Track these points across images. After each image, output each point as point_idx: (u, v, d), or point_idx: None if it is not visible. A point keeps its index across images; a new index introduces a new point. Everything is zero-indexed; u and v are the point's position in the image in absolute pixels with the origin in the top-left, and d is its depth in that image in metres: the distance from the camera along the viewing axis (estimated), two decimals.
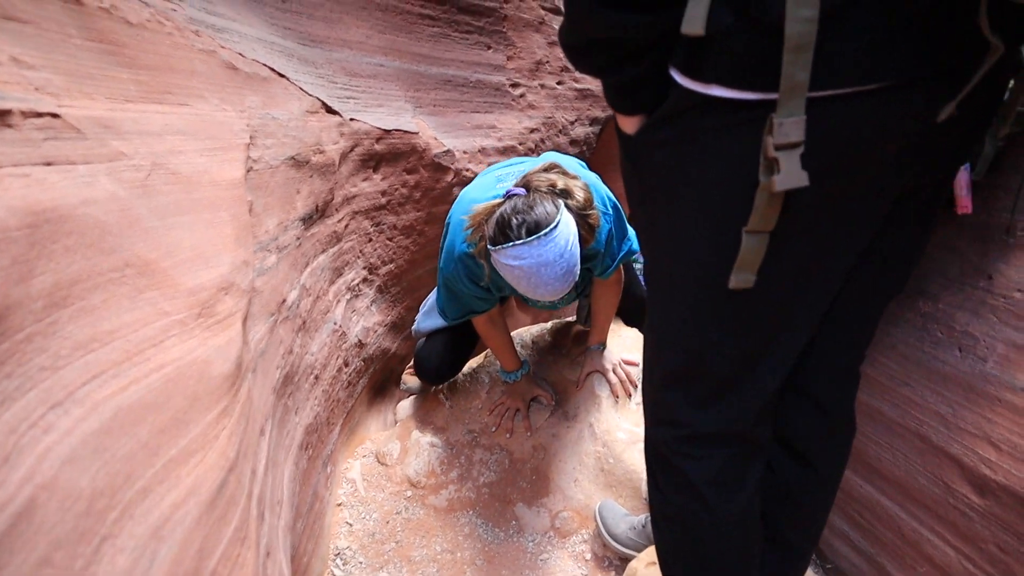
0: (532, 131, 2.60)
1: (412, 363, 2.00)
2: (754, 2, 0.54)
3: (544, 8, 2.62)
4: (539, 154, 2.59)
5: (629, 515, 1.50)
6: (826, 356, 0.90)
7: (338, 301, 1.66)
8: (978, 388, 1.05)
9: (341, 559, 1.50)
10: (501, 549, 1.56)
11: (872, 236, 0.74)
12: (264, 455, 0.85)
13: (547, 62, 2.68)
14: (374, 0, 1.89)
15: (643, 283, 1.84)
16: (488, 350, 1.96)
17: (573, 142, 2.90)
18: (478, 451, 1.75)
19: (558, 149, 2.75)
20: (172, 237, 0.70)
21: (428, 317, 1.82)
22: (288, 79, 1.37)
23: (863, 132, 0.59)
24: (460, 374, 1.91)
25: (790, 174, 0.58)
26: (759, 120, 0.58)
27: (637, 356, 1.81)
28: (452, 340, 1.78)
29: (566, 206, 1.17)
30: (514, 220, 1.12)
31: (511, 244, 1.12)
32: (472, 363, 1.96)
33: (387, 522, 1.61)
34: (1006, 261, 1.03)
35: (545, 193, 1.17)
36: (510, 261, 1.14)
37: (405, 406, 1.99)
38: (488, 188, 1.36)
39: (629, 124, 0.73)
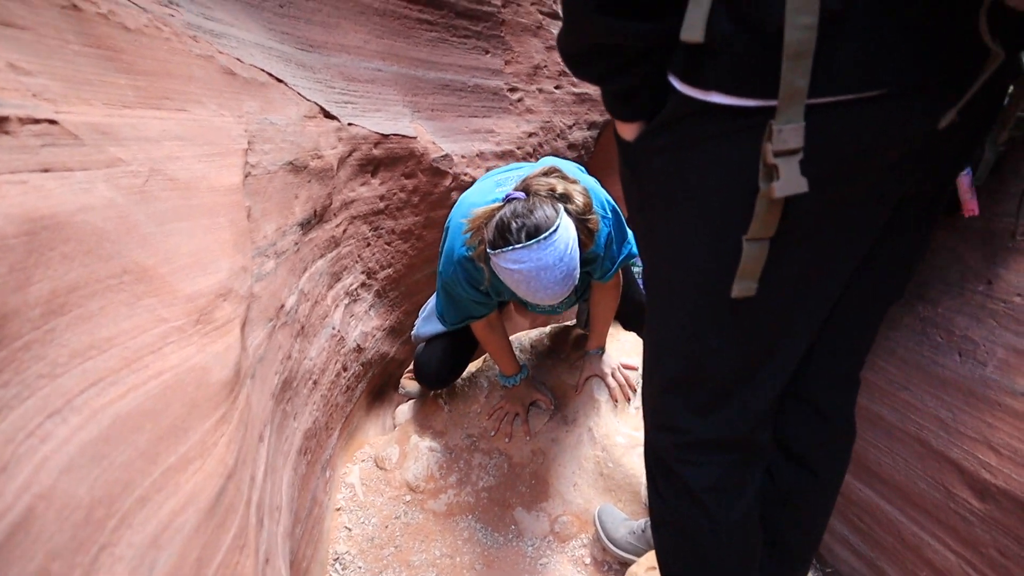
0: (530, 135, 2.61)
1: (411, 367, 2.00)
2: (753, 9, 0.54)
3: (542, 13, 2.63)
4: (537, 159, 2.59)
5: (629, 519, 1.50)
6: (826, 362, 0.90)
7: (336, 306, 1.65)
8: (978, 392, 1.05)
9: (340, 564, 1.49)
10: (500, 553, 1.56)
11: (872, 242, 0.74)
12: (263, 461, 0.85)
13: (545, 66, 2.68)
14: (372, 5, 1.89)
15: (642, 287, 1.84)
16: (487, 354, 1.96)
17: (571, 146, 2.90)
18: (477, 455, 1.75)
19: (556, 153, 2.75)
20: (170, 243, 0.69)
21: (427, 322, 1.82)
22: (286, 84, 1.36)
23: (863, 139, 0.59)
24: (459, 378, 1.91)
25: (789, 180, 0.58)
26: (758, 127, 0.58)
27: (636, 360, 1.81)
28: (452, 344, 1.78)
29: (565, 210, 1.17)
30: (514, 224, 1.12)
31: (511, 248, 1.12)
32: (471, 367, 1.96)
33: (386, 527, 1.60)
34: (1006, 265, 1.03)
35: (544, 197, 1.17)
36: (510, 265, 1.14)
37: (404, 410, 1.99)
38: (487, 192, 1.36)
39: (628, 131, 0.73)
